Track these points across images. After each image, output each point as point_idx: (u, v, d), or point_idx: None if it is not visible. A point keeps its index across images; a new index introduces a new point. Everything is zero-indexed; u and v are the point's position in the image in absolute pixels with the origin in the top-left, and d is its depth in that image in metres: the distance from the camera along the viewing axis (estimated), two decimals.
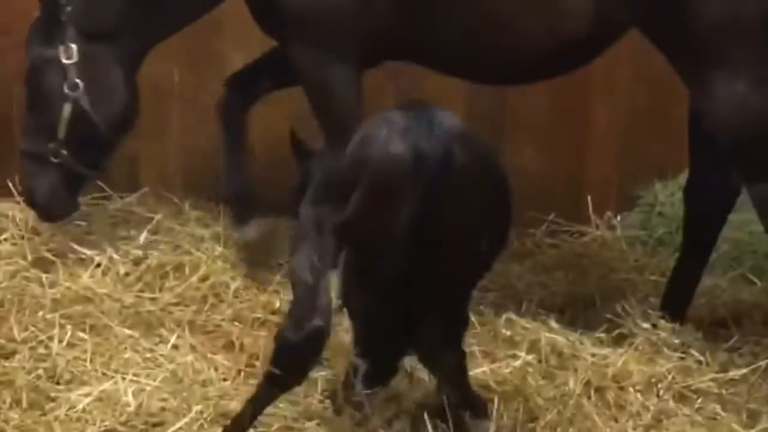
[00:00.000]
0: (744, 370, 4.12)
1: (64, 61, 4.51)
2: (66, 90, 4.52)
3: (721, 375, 4.11)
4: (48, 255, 4.74)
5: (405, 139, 3.28)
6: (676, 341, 4.26)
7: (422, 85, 4.90)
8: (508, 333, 4.23)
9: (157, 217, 4.98)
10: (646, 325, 4.33)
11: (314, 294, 3.41)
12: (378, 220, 3.31)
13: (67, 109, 4.52)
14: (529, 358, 4.04)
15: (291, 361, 3.46)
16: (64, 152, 4.54)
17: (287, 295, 4.53)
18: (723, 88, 3.91)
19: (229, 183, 4.69)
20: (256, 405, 3.58)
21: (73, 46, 4.51)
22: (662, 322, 4.35)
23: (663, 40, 4.03)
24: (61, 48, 4.52)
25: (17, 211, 4.94)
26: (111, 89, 4.58)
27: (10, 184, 4.99)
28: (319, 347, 3.43)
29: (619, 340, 4.27)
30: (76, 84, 4.51)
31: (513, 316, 4.30)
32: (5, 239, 4.82)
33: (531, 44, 4.16)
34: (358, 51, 4.27)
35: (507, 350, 4.11)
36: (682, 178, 5.19)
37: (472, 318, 3.91)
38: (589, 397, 3.90)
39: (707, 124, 4.01)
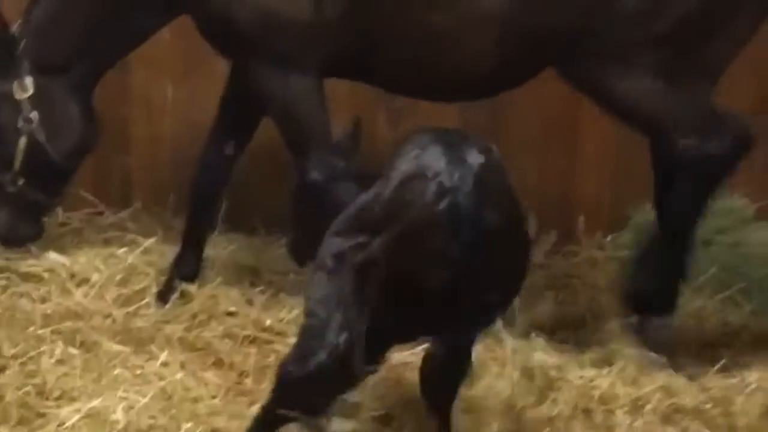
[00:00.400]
0: (731, 391, 4.13)
1: (19, 96, 4.58)
2: (21, 124, 4.59)
3: (707, 396, 4.12)
4: (39, 270, 4.75)
5: (447, 199, 3.23)
6: (663, 362, 4.27)
7: (415, 103, 4.91)
8: (498, 352, 4.23)
9: (148, 241, 4.99)
10: (633, 346, 4.33)
11: (325, 329, 3.33)
12: (405, 267, 3.26)
13: (22, 142, 4.60)
14: (519, 378, 4.05)
15: (291, 395, 3.40)
16: (21, 182, 4.63)
17: (278, 313, 4.57)
18: None
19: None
20: None
21: (28, 80, 4.58)
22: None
23: None
24: (16, 83, 4.58)
25: None
26: (66, 120, 4.66)
27: None
28: (323, 385, 3.35)
29: (607, 361, 4.27)
30: (31, 118, 4.58)
31: (503, 336, 4.31)
32: None
33: (475, 62, 4.20)
34: (317, 62, 4.29)
35: (498, 369, 4.12)
36: None
37: None
38: (577, 419, 3.91)
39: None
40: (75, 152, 4.70)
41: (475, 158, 3.33)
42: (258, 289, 4.74)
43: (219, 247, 4.95)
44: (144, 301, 4.64)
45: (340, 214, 3.51)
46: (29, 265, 4.79)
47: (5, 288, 4.64)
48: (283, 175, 4.10)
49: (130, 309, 4.57)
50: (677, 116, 4.20)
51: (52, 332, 4.32)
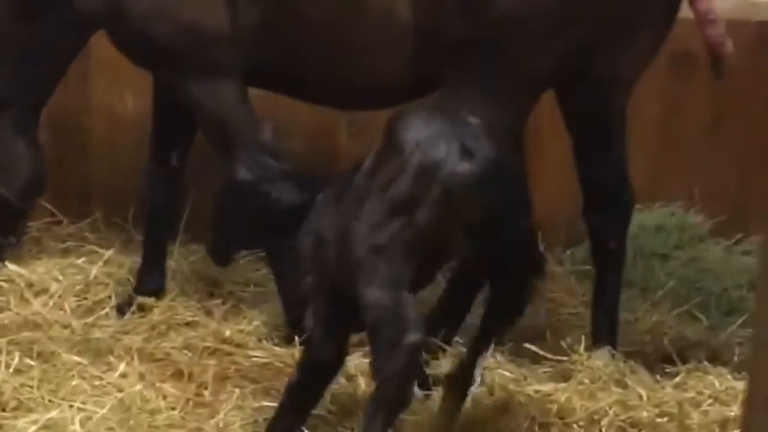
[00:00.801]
0: (687, 405, 4.16)
1: None
2: None
3: (663, 410, 4.14)
4: None
5: (467, 156, 3.43)
6: (620, 377, 4.29)
7: (376, 117, 4.91)
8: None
9: (108, 252, 4.97)
10: (591, 360, 4.35)
11: (399, 311, 3.45)
12: (448, 231, 3.47)
13: None
14: (477, 391, 4.06)
15: (400, 383, 3.45)
16: None
17: (237, 324, 4.56)
18: None
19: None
20: None
21: None
22: (607, 357, 4.39)
23: None
24: None
25: None
26: (14, 162, 4.63)
27: None
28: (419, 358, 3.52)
29: (564, 375, 4.29)
30: None
31: (462, 349, 4.31)
32: None
33: (391, 69, 4.25)
34: (238, 69, 4.33)
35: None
36: (633, 214, 5.25)
37: None
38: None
39: None
40: (28, 193, 4.68)
41: (472, 119, 3.55)
42: (218, 300, 4.73)
43: (179, 258, 4.93)
44: (103, 312, 4.63)
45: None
46: None
47: None
48: None
49: (89, 320, 4.55)
50: None
51: (9, 342, 4.30)
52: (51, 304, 4.63)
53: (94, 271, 4.83)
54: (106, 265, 4.89)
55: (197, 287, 4.80)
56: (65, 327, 4.46)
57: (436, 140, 3.45)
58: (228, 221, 3.83)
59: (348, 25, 4.21)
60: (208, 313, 4.66)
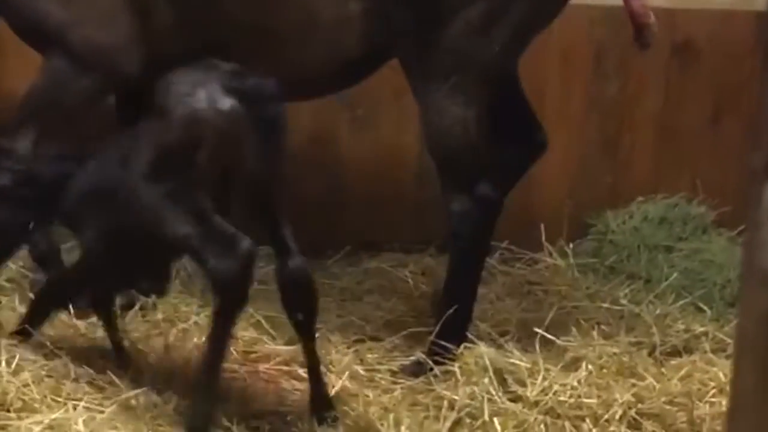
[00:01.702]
0: (694, 397, 4.15)
1: None
2: None
3: (671, 401, 4.13)
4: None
5: (229, 94, 3.76)
6: (627, 369, 4.28)
7: (377, 111, 4.91)
8: (469, 358, 4.22)
9: None
10: (596, 352, 4.34)
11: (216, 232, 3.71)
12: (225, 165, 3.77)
13: None
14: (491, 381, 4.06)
15: (235, 288, 3.69)
16: None
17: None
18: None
19: None
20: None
21: None
22: (613, 350, 4.38)
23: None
24: None
25: None
26: None
27: None
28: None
29: (571, 367, 4.28)
30: None
31: (473, 340, 4.30)
32: None
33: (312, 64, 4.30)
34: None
35: (467, 376, 4.12)
36: (634, 206, 5.25)
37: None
38: (546, 425, 3.93)
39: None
40: None
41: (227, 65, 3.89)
42: None
43: None
44: None
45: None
46: None
47: None
48: None
49: (93, 319, 4.52)
50: None
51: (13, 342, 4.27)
52: None
53: None
54: None
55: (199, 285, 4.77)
56: (69, 327, 4.43)
57: (194, 90, 3.75)
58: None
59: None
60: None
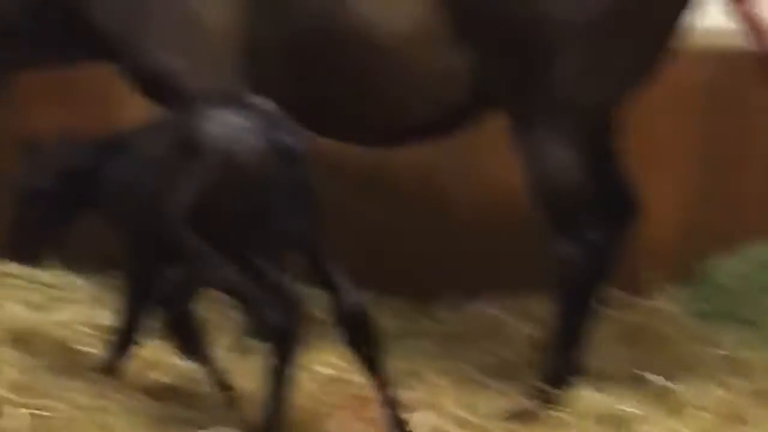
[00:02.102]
0: None
1: None
2: None
3: None
4: None
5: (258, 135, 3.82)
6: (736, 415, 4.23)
7: (484, 154, 4.91)
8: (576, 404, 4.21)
9: None
10: (705, 398, 4.29)
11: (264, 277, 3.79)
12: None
13: None
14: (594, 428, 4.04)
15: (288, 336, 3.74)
16: None
17: None
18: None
19: None
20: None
21: None
22: (722, 395, 4.32)
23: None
24: None
25: None
26: None
27: None
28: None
29: (679, 413, 4.23)
30: None
31: (579, 385, 4.28)
32: None
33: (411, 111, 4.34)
34: None
35: (575, 422, 4.12)
36: (744, 249, 5.18)
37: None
38: None
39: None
40: None
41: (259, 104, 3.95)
42: None
43: None
44: None
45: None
46: None
47: None
48: None
49: None
50: None
51: None
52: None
53: None
54: None
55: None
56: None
57: (234, 131, 3.81)
58: (30, 223, 4.36)
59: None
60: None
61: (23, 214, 4.41)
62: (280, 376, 3.77)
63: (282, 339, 3.75)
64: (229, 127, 3.83)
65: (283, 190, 3.80)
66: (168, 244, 3.95)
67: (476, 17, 4.18)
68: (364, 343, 3.91)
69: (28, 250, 4.58)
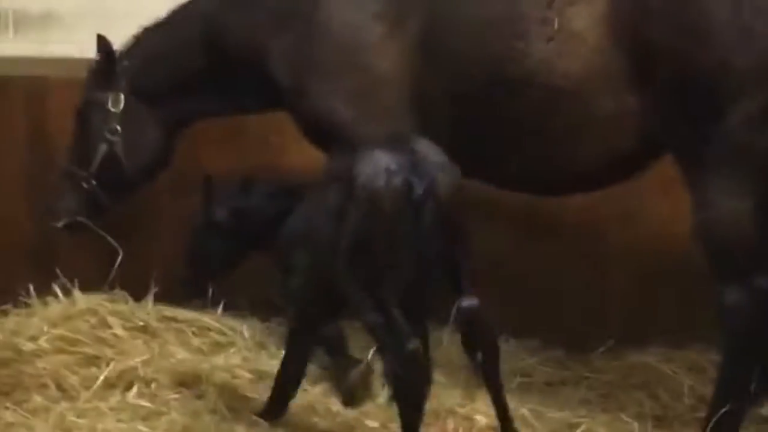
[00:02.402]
0: None
1: (110, 107, 4.97)
2: (106, 133, 4.98)
3: None
4: None
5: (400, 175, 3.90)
6: None
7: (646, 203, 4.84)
8: None
9: None
10: None
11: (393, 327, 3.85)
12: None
13: (102, 148, 5.01)
14: None
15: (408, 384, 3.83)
16: (93, 182, 5.03)
17: None
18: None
19: None
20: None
21: (121, 97, 4.99)
22: None
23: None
24: (111, 95, 4.98)
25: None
26: (143, 144, 5.02)
27: None
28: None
29: None
30: (116, 130, 4.97)
31: None
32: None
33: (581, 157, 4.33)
34: None
35: None
36: None
37: None
38: None
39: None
40: (145, 171, 5.06)
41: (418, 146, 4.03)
42: None
43: None
44: None
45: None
46: None
47: None
48: None
49: None
50: None
51: None
52: None
53: None
54: None
55: None
56: None
57: (376, 175, 3.89)
58: (202, 257, 4.59)
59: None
60: None
61: (196, 248, 4.61)
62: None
63: (410, 394, 3.82)
64: (378, 166, 3.90)
65: (423, 229, 3.86)
66: (335, 289, 4.00)
67: (655, 61, 4.16)
68: (480, 346, 3.95)
69: (198, 286, 4.77)
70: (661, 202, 4.71)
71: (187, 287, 4.78)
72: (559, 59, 4.25)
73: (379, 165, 3.91)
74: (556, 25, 4.27)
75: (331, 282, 4.03)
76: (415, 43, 4.47)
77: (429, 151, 4.00)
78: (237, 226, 4.53)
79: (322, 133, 4.63)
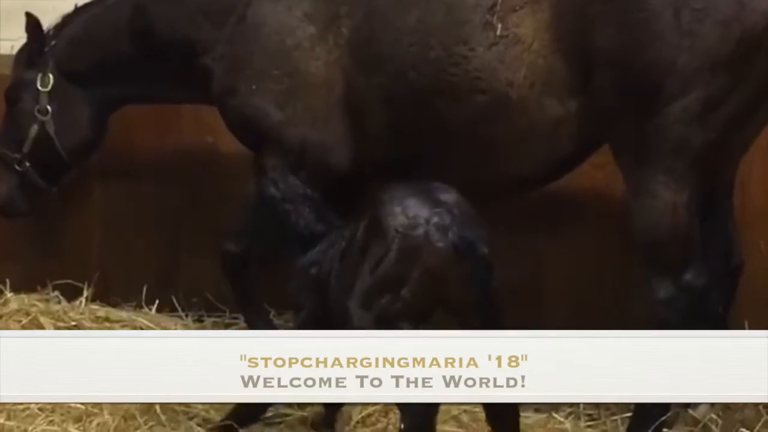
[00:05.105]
0: None
1: (39, 87, 4.96)
2: (36, 113, 4.96)
3: None
4: None
5: (447, 235, 3.79)
6: None
7: None
8: None
9: None
10: None
11: None
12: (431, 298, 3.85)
13: (34, 129, 4.99)
14: None
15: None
16: (27, 164, 5.00)
17: None
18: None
19: None
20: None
21: (50, 76, 4.97)
22: None
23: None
24: (40, 74, 4.96)
25: None
26: (75, 123, 5.00)
27: None
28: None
29: None
30: (47, 110, 4.96)
31: None
32: None
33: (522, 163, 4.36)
34: None
35: None
36: None
37: None
38: None
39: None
40: (78, 151, 5.03)
41: (445, 196, 3.91)
42: None
43: None
44: None
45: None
46: None
47: None
48: None
49: None
50: None
51: None
52: None
53: None
54: None
55: None
56: None
57: (414, 225, 3.80)
58: (252, 230, 4.48)
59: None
60: None
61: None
62: None
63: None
64: (418, 226, 3.82)
65: (464, 286, 3.81)
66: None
67: (599, 65, 4.16)
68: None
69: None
70: None
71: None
72: (502, 65, 4.25)
73: (415, 214, 3.84)
74: (498, 31, 4.27)
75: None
76: (348, 47, 4.45)
77: (458, 202, 3.92)
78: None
79: (250, 133, 4.62)
